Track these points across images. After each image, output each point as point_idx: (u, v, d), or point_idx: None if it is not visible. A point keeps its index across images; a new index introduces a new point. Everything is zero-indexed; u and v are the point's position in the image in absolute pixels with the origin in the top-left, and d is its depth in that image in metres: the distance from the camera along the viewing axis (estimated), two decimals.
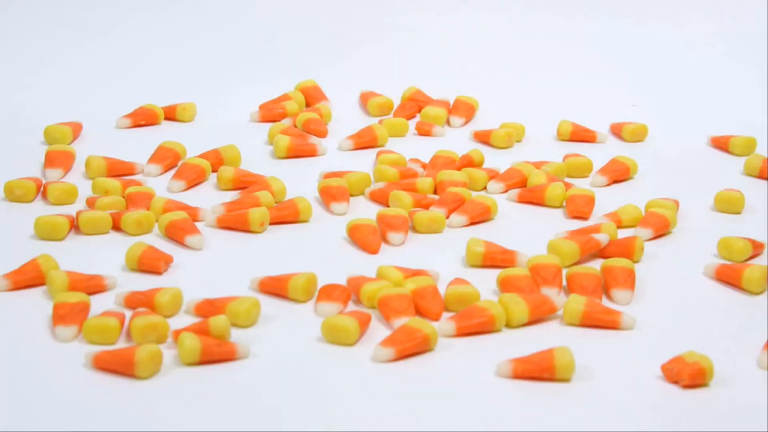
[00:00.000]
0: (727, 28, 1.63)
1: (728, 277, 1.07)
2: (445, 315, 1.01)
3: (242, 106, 1.47)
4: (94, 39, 1.58)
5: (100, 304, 1.01)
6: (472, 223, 1.17)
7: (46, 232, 1.12)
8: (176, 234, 1.12)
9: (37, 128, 1.37)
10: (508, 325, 0.99)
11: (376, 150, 1.34)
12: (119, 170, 1.28)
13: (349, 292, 1.03)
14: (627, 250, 1.10)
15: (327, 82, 1.51)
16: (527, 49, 1.62)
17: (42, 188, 1.21)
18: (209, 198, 1.22)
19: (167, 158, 1.29)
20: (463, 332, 0.98)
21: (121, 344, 0.96)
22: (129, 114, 1.42)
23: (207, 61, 1.56)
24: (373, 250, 1.11)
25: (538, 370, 0.92)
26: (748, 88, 1.53)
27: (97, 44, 1.57)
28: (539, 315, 1.00)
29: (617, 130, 1.42)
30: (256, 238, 1.14)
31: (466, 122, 1.45)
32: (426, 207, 1.19)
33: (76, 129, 1.38)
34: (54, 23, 1.58)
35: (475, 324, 0.98)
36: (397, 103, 1.48)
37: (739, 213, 1.22)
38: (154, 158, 1.29)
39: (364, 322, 0.98)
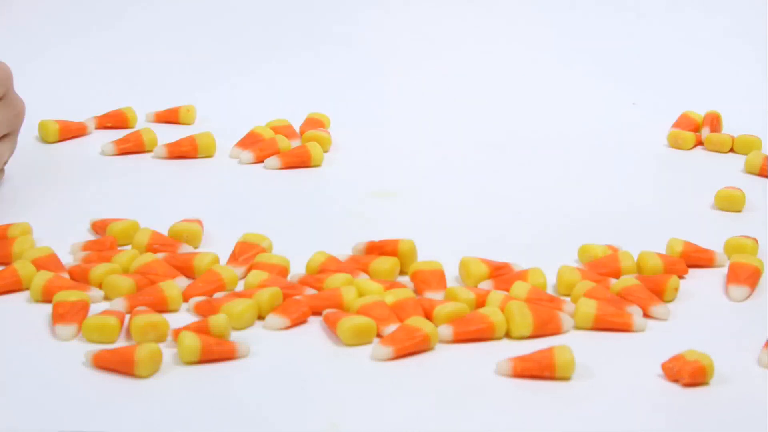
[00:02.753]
0: (727, 28, 1.63)
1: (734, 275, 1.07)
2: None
3: (242, 106, 1.47)
4: (97, 40, 1.58)
5: (99, 303, 1.01)
6: None
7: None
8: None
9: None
10: (509, 336, 0.99)
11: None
12: (72, 132, 1.32)
13: (308, 311, 1.00)
14: (659, 288, 1.05)
15: (328, 80, 1.51)
16: (527, 48, 1.62)
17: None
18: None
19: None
20: (460, 338, 0.97)
21: (120, 343, 0.96)
22: (100, 115, 1.42)
23: (207, 62, 1.56)
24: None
25: (538, 368, 0.92)
26: (749, 87, 1.53)
27: (99, 45, 1.57)
28: (543, 332, 0.99)
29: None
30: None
31: None
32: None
33: (78, 129, 1.38)
34: (57, 23, 1.58)
35: (474, 330, 0.98)
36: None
37: (739, 211, 1.22)
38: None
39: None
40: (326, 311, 1.00)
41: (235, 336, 0.97)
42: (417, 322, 0.97)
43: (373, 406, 0.89)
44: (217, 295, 1.03)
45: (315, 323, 0.99)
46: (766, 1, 1.63)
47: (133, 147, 1.35)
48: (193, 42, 1.58)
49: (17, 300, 1.02)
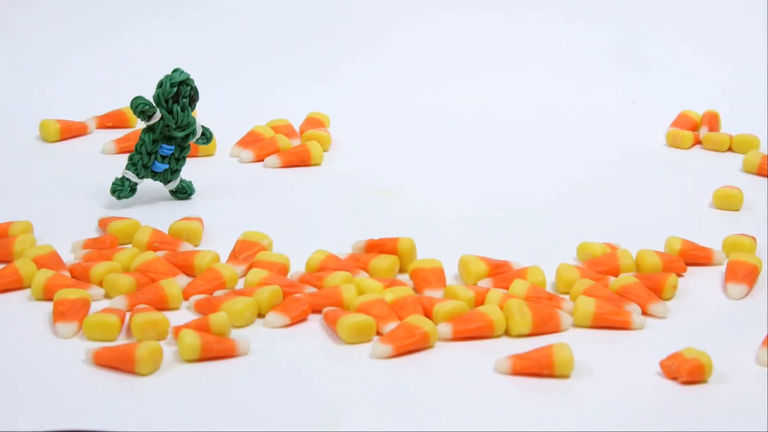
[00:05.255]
0: (727, 28, 1.63)
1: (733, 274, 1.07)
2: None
3: (242, 106, 1.47)
4: (98, 39, 1.58)
5: (100, 301, 1.02)
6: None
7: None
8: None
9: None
10: (508, 334, 0.99)
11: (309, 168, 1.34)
12: (73, 131, 1.35)
13: (308, 309, 1.01)
14: (657, 286, 1.05)
15: (328, 80, 1.51)
16: (527, 47, 1.62)
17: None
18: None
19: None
20: (459, 336, 0.98)
21: (121, 341, 0.96)
22: (100, 115, 1.43)
23: (207, 62, 1.57)
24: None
25: (537, 366, 0.92)
26: (748, 86, 1.53)
27: (100, 45, 1.58)
28: (542, 330, 0.99)
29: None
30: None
31: None
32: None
33: (79, 128, 1.39)
34: (58, 24, 1.59)
35: (473, 328, 0.98)
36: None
37: (738, 210, 1.23)
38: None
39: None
40: (326, 309, 1.00)
41: (235, 334, 0.97)
42: (416, 320, 0.97)
43: (372, 405, 0.89)
44: (218, 293, 1.03)
45: (315, 321, 1.00)
46: (766, 1, 1.63)
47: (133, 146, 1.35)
48: (193, 42, 1.59)
49: (18, 298, 1.03)
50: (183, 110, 1.19)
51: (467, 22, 1.63)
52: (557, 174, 1.33)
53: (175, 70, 1.20)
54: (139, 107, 1.18)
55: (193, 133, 1.21)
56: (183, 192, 1.23)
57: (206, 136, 1.22)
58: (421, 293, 1.04)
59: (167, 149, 1.20)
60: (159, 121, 1.19)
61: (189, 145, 1.22)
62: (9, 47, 1.55)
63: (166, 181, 1.22)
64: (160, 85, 1.19)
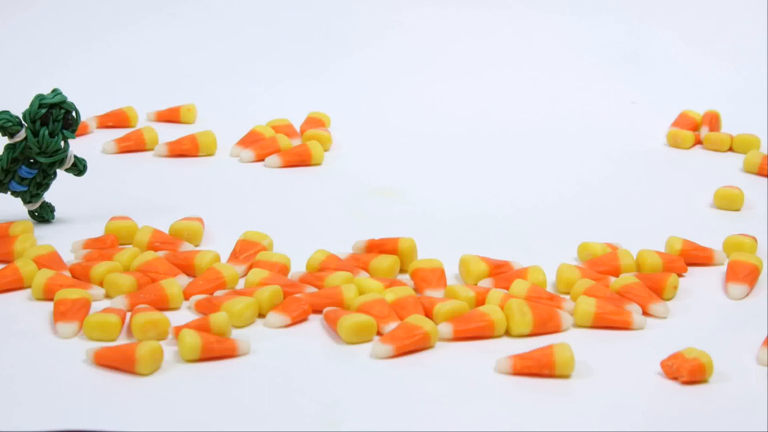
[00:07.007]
0: (726, 28, 1.63)
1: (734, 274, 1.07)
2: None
3: (242, 105, 1.47)
4: (99, 40, 1.58)
5: (100, 301, 1.02)
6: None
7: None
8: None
9: None
10: (509, 334, 0.99)
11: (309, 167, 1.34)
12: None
13: (309, 309, 1.01)
14: (658, 286, 1.05)
15: (329, 80, 1.51)
16: (527, 47, 1.62)
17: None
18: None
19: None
20: (460, 336, 0.98)
21: (121, 340, 0.96)
22: (101, 115, 1.43)
23: (208, 62, 1.57)
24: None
25: (538, 366, 0.92)
26: (748, 86, 1.53)
27: (100, 45, 1.58)
28: (543, 330, 0.99)
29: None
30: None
31: None
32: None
33: (80, 128, 1.39)
34: (59, 24, 1.59)
35: (474, 328, 0.98)
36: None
37: (738, 210, 1.23)
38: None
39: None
40: (326, 309, 1.00)
41: (235, 334, 0.97)
42: (417, 320, 0.97)
43: (372, 405, 0.89)
44: (218, 293, 1.03)
45: (315, 321, 1.00)
46: (766, 1, 1.63)
47: (134, 145, 1.35)
48: (193, 42, 1.59)
49: (18, 298, 1.03)
50: (52, 135, 1.10)
51: (468, 23, 1.64)
52: (557, 173, 1.33)
53: (52, 91, 1.11)
54: (0, 122, 1.09)
55: (62, 162, 1.12)
56: (40, 217, 1.16)
57: (78, 168, 1.14)
58: (422, 293, 1.04)
59: (27, 172, 1.12)
60: (22, 140, 1.11)
61: (55, 172, 1.14)
62: (9, 47, 1.56)
63: (25, 201, 1.15)
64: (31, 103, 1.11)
